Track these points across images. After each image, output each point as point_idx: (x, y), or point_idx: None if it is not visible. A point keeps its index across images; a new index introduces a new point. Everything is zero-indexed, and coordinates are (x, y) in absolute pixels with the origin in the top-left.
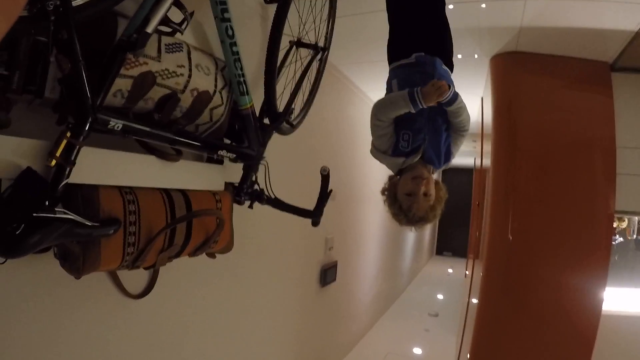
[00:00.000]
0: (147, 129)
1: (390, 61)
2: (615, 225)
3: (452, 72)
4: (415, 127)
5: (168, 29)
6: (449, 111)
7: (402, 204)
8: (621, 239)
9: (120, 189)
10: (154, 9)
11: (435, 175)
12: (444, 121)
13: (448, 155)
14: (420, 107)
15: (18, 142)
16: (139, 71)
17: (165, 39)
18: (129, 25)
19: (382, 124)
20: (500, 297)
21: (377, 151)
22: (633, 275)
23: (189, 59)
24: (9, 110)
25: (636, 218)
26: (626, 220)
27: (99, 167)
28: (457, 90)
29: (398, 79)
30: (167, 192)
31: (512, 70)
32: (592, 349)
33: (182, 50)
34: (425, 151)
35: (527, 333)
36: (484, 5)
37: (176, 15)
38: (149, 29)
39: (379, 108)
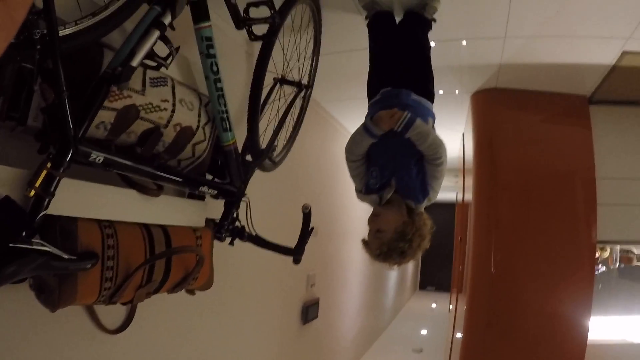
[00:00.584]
0: (129, 162)
1: (368, 101)
2: (597, 255)
3: (432, 100)
4: (380, 163)
5: (153, 63)
6: (413, 140)
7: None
8: (604, 268)
9: (99, 222)
10: (140, 43)
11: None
12: (412, 154)
13: (425, 189)
14: (375, 133)
15: None
16: (123, 104)
17: (150, 73)
18: (115, 58)
19: (352, 164)
20: (484, 330)
21: (356, 192)
22: (617, 303)
23: (173, 93)
24: None
25: (618, 247)
26: (608, 249)
27: (78, 199)
28: (438, 125)
29: (366, 119)
30: (147, 228)
31: (493, 106)
32: None
33: (166, 85)
34: (398, 186)
35: None
36: (464, 43)
37: (162, 50)
38: (134, 63)
39: (346, 148)
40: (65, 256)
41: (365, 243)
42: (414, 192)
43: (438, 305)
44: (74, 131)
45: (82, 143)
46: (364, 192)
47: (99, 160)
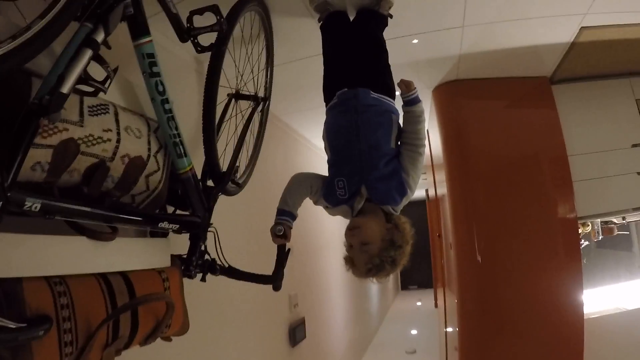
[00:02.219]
0: (72, 206)
1: (325, 105)
2: (580, 230)
3: (393, 96)
4: (347, 171)
5: (90, 89)
6: (416, 114)
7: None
8: (587, 242)
9: (48, 279)
10: (70, 66)
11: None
12: (382, 154)
13: (402, 189)
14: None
15: None
16: (59, 139)
17: (88, 100)
18: (42, 86)
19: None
20: (479, 321)
21: (324, 208)
22: (604, 273)
23: (117, 121)
24: None
25: (598, 220)
26: (590, 224)
27: (20, 256)
28: (399, 119)
29: (326, 125)
30: (104, 278)
31: (456, 98)
32: (582, 354)
33: (108, 112)
34: (370, 192)
35: (514, 350)
36: (415, 41)
37: (99, 73)
38: (65, 89)
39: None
40: (13, 325)
41: (349, 261)
42: (390, 195)
43: (423, 302)
44: (1, 177)
45: (13, 190)
46: (332, 205)
47: (36, 207)
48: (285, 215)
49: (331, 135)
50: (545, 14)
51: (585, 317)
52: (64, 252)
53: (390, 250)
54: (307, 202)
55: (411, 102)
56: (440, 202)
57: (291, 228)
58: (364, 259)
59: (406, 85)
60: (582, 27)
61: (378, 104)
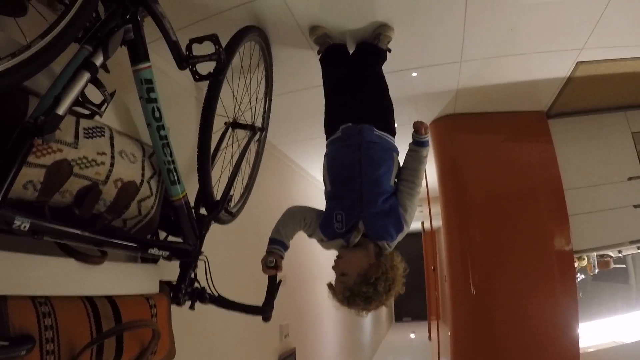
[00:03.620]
0: (61, 228)
1: (326, 137)
2: (576, 264)
3: (394, 135)
4: (346, 205)
5: (86, 111)
6: (422, 156)
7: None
8: (583, 276)
9: (33, 299)
10: (67, 88)
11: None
12: (382, 191)
13: (399, 225)
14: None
15: None
16: (53, 159)
17: (84, 123)
18: (38, 106)
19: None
20: (473, 354)
21: (319, 242)
22: (600, 307)
23: (112, 145)
24: None
25: (594, 254)
26: (586, 258)
27: (7, 274)
28: (398, 157)
29: (327, 157)
30: (91, 301)
31: (453, 132)
32: None
33: (103, 135)
34: (367, 228)
35: None
36: (415, 74)
37: (97, 96)
38: (61, 111)
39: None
40: None
41: (330, 287)
42: (386, 231)
43: (417, 334)
44: None
45: (2, 208)
46: (327, 238)
47: (25, 227)
48: (277, 245)
49: (333, 169)
50: (542, 50)
51: (581, 351)
52: (51, 272)
53: (363, 285)
54: (300, 234)
55: (422, 143)
56: (436, 234)
57: (282, 258)
58: (339, 289)
59: (425, 128)
60: (578, 62)
61: (381, 142)
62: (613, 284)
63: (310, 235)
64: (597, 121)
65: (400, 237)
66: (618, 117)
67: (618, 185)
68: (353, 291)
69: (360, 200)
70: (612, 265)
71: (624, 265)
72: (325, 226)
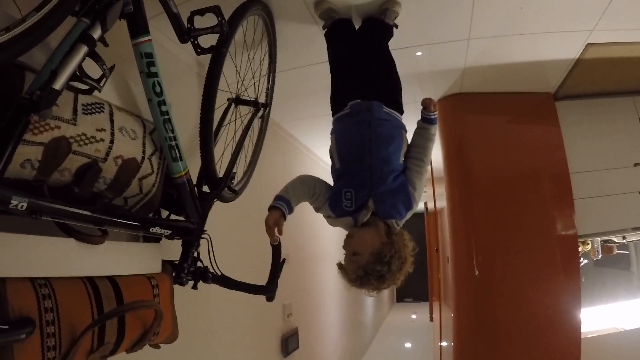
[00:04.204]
0: (61, 207)
1: (332, 114)
2: (579, 249)
3: (402, 112)
4: (356, 183)
5: (84, 86)
6: (431, 133)
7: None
8: (586, 261)
9: (33, 281)
10: (63, 62)
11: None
12: (392, 169)
13: (408, 203)
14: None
15: None
16: (50, 136)
17: (83, 98)
18: (35, 81)
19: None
20: (475, 335)
21: (326, 217)
22: (602, 292)
23: (111, 121)
24: None
25: (598, 239)
26: (589, 242)
27: (5, 255)
28: (404, 137)
29: (336, 134)
30: (92, 282)
31: (458, 111)
32: None
33: (102, 111)
34: (377, 206)
35: None
36: (419, 53)
37: (96, 71)
38: (57, 86)
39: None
40: None
41: (340, 267)
42: (396, 209)
43: (418, 315)
44: None
45: None
46: (335, 215)
47: (22, 206)
48: (283, 202)
49: (342, 147)
50: (551, 30)
51: (582, 337)
52: (50, 253)
53: (377, 264)
54: (304, 212)
55: (431, 121)
56: (439, 215)
57: (285, 219)
58: (351, 268)
59: (434, 105)
60: (588, 44)
61: (390, 119)
62: (615, 270)
63: (317, 209)
64: (605, 105)
65: (409, 215)
66: (626, 102)
67: (624, 171)
68: (367, 270)
69: (370, 178)
70: (616, 251)
71: (627, 252)
72: (333, 204)
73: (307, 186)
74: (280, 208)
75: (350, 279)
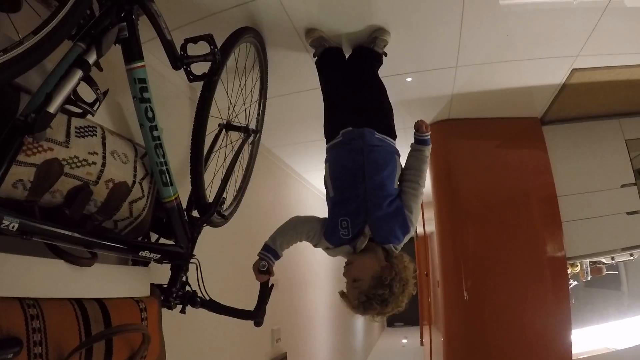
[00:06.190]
0: (51, 228)
1: (326, 141)
2: (569, 271)
3: (394, 137)
4: (351, 210)
5: (78, 110)
6: (424, 155)
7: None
8: (576, 282)
9: (21, 301)
10: (59, 85)
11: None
12: (386, 194)
13: (405, 227)
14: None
15: None
16: (43, 158)
17: (76, 122)
18: (29, 103)
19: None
20: (466, 358)
21: (325, 250)
22: (593, 313)
23: (104, 144)
24: None
25: (587, 260)
26: (579, 264)
27: None
28: (397, 161)
29: (329, 163)
30: (80, 304)
31: (447, 137)
32: None
33: (95, 135)
34: (374, 232)
35: None
36: (409, 79)
37: (89, 94)
38: (52, 109)
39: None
40: None
41: (343, 295)
42: (393, 233)
43: (409, 340)
44: None
45: None
46: (333, 245)
47: (14, 227)
48: (270, 253)
49: (336, 175)
50: (537, 56)
51: (574, 358)
52: (40, 274)
53: (378, 288)
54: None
55: (424, 142)
56: (429, 239)
57: (272, 267)
58: (353, 295)
59: (426, 126)
60: (573, 69)
61: (383, 145)
62: (605, 291)
63: (315, 245)
64: (591, 128)
65: (406, 239)
66: (612, 125)
67: (611, 192)
68: (369, 295)
69: (365, 204)
70: (605, 272)
71: (616, 272)
72: (330, 234)
73: (298, 232)
74: (266, 260)
75: (353, 305)
